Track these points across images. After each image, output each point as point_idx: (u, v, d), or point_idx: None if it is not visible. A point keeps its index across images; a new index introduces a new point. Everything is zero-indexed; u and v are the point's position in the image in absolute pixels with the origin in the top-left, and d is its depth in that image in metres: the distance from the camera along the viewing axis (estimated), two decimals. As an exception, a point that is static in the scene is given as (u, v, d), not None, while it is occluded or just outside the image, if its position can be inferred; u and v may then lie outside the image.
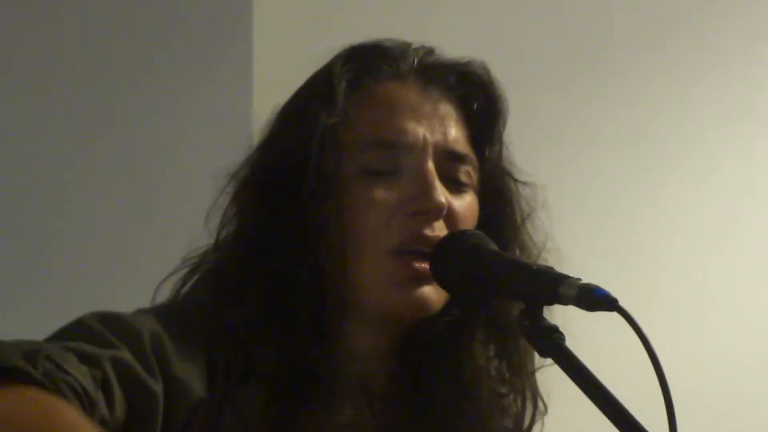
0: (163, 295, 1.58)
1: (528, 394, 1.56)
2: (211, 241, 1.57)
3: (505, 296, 1.44)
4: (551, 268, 1.37)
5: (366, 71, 1.50)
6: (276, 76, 2.44)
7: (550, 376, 1.54)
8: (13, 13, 2.93)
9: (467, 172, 1.50)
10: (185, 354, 1.41)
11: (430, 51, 1.53)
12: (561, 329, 1.33)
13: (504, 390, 1.55)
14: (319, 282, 1.45)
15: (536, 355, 1.52)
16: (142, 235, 2.46)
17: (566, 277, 1.33)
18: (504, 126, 1.54)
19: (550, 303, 1.34)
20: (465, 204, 1.49)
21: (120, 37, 2.89)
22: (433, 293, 1.46)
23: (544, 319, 1.34)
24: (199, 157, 2.35)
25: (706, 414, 2.66)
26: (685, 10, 2.98)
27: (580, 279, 1.32)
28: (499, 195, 1.54)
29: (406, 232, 1.45)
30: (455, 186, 1.48)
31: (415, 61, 1.52)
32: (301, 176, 1.45)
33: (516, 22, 2.90)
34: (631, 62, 2.94)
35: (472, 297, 1.48)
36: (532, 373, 1.55)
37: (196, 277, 1.52)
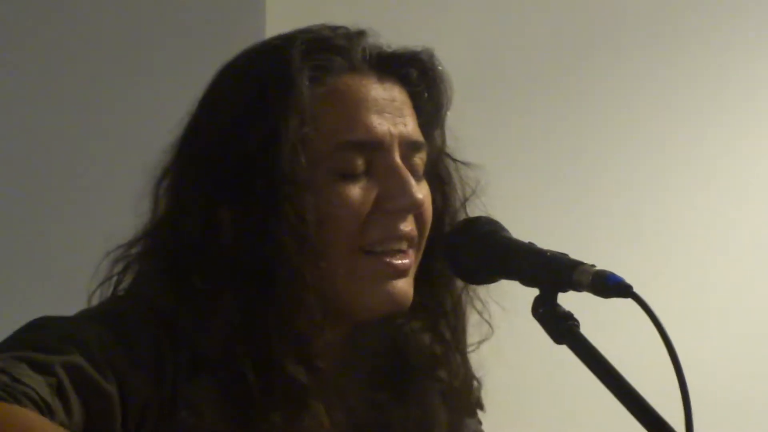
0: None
1: (463, 372, 1.56)
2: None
3: (520, 282, 1.42)
4: (565, 255, 1.36)
5: (323, 66, 1.47)
6: None
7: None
8: (22, 12, 2.94)
9: (422, 159, 1.50)
10: (132, 352, 1.39)
11: (367, 35, 1.52)
12: (576, 319, 1.33)
13: (439, 367, 1.55)
14: (299, 288, 1.42)
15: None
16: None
17: (580, 263, 1.33)
18: (447, 109, 1.54)
19: (565, 289, 1.34)
20: (426, 192, 1.49)
21: (133, 39, 2.91)
22: (409, 288, 1.47)
23: (558, 305, 1.34)
24: None
25: (721, 403, 2.68)
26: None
27: (594, 265, 1.32)
28: (439, 178, 1.54)
29: (383, 230, 1.45)
30: (416, 176, 1.48)
31: (366, 50, 1.50)
32: (269, 178, 1.42)
33: (518, 20, 2.94)
34: (638, 54, 2.95)
35: (487, 284, 1.48)
36: (464, 351, 1.56)
37: (138, 270, 1.48)
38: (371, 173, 1.46)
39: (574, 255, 1.41)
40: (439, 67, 1.53)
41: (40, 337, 1.36)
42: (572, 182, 2.66)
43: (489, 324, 1.56)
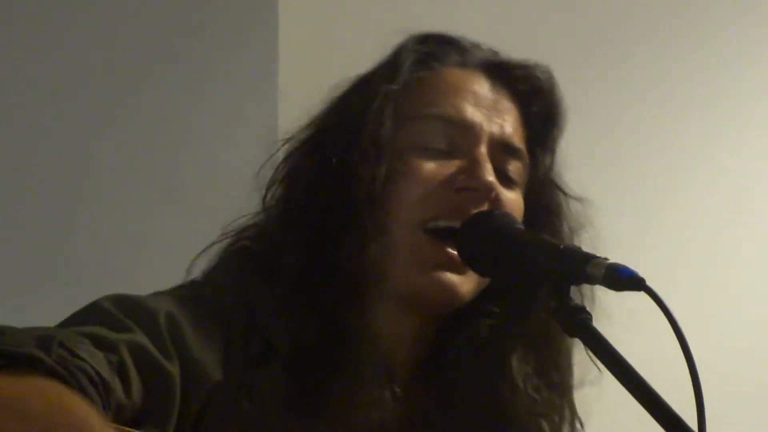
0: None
1: (566, 413, 1.53)
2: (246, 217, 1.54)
3: (533, 275, 1.41)
4: (578, 248, 1.35)
5: (435, 55, 1.50)
6: (299, 76, 2.50)
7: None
8: (44, 16, 2.89)
9: (518, 169, 1.49)
10: (202, 336, 1.40)
11: (497, 52, 1.54)
12: (589, 314, 1.31)
13: (541, 409, 1.51)
14: (355, 256, 1.42)
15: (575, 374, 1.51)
16: (173, 220, 2.48)
17: (594, 256, 1.32)
18: (559, 135, 1.54)
19: (578, 282, 1.33)
20: (513, 198, 1.47)
21: (153, 43, 2.88)
22: (459, 281, 1.44)
23: (571, 298, 1.33)
24: (227, 153, 2.38)
25: (734, 397, 2.67)
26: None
27: (607, 258, 1.31)
28: (547, 207, 1.54)
29: (447, 205, 1.43)
30: (505, 180, 1.47)
31: (484, 56, 1.52)
32: (356, 140, 1.44)
33: (523, 27, 2.93)
34: (646, 58, 2.94)
35: (500, 277, 1.46)
36: (571, 390, 1.52)
37: (220, 257, 1.50)
38: (451, 155, 1.45)
39: (587, 249, 1.39)
40: (556, 89, 1.54)
41: (109, 313, 1.37)
42: (585, 180, 2.69)
43: (595, 363, 1.47)
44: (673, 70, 2.93)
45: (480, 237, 1.43)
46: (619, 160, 2.85)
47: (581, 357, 1.47)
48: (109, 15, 2.88)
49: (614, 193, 2.81)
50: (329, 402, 1.41)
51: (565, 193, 1.56)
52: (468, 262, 1.43)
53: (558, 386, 1.50)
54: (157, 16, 2.89)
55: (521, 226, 1.44)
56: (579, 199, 1.56)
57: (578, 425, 1.51)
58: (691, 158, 2.93)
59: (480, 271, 1.44)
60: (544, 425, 1.49)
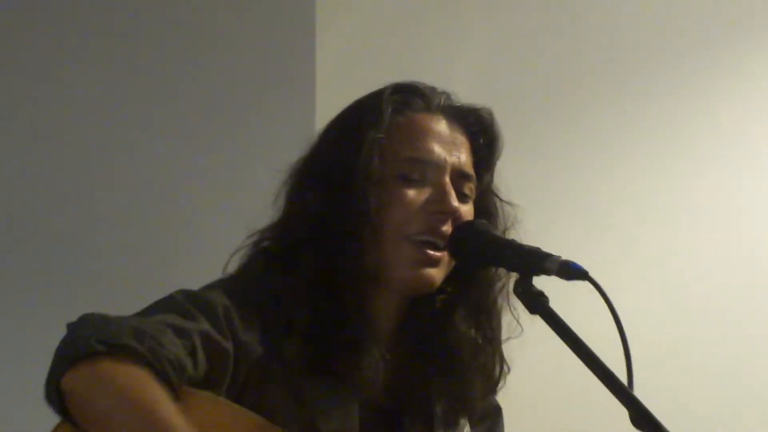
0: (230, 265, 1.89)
1: (497, 359, 1.90)
2: (265, 225, 1.88)
3: (505, 268, 1.78)
4: (539, 248, 1.70)
5: (406, 103, 1.85)
6: (333, 96, 2.64)
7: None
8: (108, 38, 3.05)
9: (470, 188, 1.85)
10: (246, 322, 1.74)
11: (449, 95, 1.89)
12: (545, 294, 1.66)
13: (479, 354, 1.89)
14: (356, 258, 1.78)
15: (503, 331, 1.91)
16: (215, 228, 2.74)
17: (550, 254, 1.67)
18: (498, 159, 1.90)
19: (538, 274, 1.68)
20: (467, 209, 1.83)
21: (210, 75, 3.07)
22: (436, 274, 1.81)
23: (533, 285, 1.68)
24: (267, 165, 2.50)
25: (657, 360, 3.03)
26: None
27: (560, 256, 1.66)
28: (487, 210, 1.90)
29: (426, 225, 1.80)
30: (462, 197, 1.83)
31: (442, 101, 1.88)
32: (352, 175, 1.78)
33: (520, 63, 3.25)
34: (612, 75, 3.29)
35: (479, 267, 1.82)
36: (500, 343, 1.90)
37: (249, 256, 1.84)
38: (424, 182, 1.81)
39: (547, 249, 1.73)
40: (497, 126, 1.90)
41: (182, 305, 1.71)
42: (553, 198, 3.07)
43: (519, 323, 1.88)
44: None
45: (468, 239, 1.78)
46: (573, 187, 3.23)
47: (507, 318, 1.86)
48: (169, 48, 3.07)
49: (558, 201, 3.19)
50: (338, 364, 1.77)
51: (500, 200, 1.92)
52: (456, 256, 1.78)
53: (491, 339, 1.88)
54: (210, 70, 3.07)
55: (497, 232, 1.79)
56: (510, 204, 1.93)
57: (505, 368, 1.90)
58: (611, 173, 3.26)
59: (465, 264, 1.79)
60: (484, 360, 1.88)
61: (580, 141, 3.24)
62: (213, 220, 2.80)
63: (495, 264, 1.79)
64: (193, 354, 1.66)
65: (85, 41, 3.06)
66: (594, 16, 3.29)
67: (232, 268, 1.89)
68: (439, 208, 1.80)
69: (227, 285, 1.80)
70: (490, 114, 1.90)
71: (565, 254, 1.71)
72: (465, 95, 1.95)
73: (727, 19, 3.32)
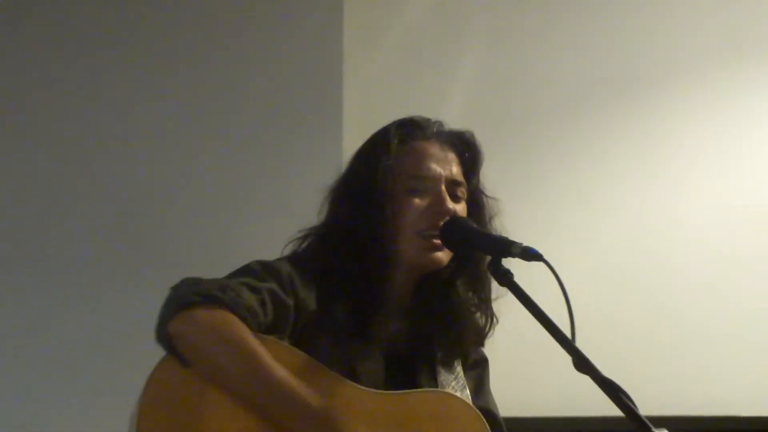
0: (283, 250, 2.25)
1: (488, 313, 2.26)
2: (312, 224, 2.25)
3: (481, 251, 2.15)
4: (506, 237, 2.08)
5: (409, 134, 2.21)
6: (358, 129, 3.07)
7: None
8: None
9: (461, 191, 2.22)
10: (304, 285, 2.10)
11: (441, 123, 2.25)
12: (511, 271, 2.02)
13: (475, 310, 2.26)
14: (380, 251, 2.15)
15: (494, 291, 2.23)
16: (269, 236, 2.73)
17: (515, 242, 2.04)
18: (480, 166, 2.26)
19: (506, 256, 2.04)
20: (461, 208, 2.20)
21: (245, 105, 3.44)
22: (442, 256, 2.17)
23: (502, 265, 2.03)
24: (300, 186, 2.82)
25: (593, 320, 3.38)
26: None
27: (522, 243, 2.03)
28: (477, 204, 2.25)
29: (430, 222, 2.16)
30: (455, 199, 2.19)
31: (435, 129, 2.24)
32: (373, 192, 2.15)
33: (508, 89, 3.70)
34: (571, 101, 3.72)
35: (464, 251, 2.19)
36: (490, 301, 2.25)
37: (306, 243, 2.22)
38: (426, 192, 2.17)
39: (514, 238, 2.10)
40: (477, 143, 2.25)
41: (256, 271, 2.06)
42: (523, 201, 3.56)
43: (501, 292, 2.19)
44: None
45: (456, 230, 2.15)
46: (536, 193, 3.71)
47: (495, 287, 2.19)
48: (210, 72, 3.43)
49: (539, 210, 3.67)
50: (370, 326, 2.13)
51: (486, 196, 2.28)
52: (447, 244, 2.16)
53: (483, 299, 2.24)
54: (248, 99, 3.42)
55: (474, 225, 2.16)
56: (494, 198, 2.28)
57: (495, 320, 2.26)
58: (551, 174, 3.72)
59: (453, 249, 2.17)
60: (477, 319, 2.25)
61: (540, 155, 3.70)
62: (266, 219, 3.21)
63: (474, 249, 2.15)
64: (263, 305, 2.00)
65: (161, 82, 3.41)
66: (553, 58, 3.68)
67: (285, 253, 2.25)
68: (438, 209, 2.16)
69: (290, 259, 2.17)
70: (472, 135, 2.27)
71: (527, 241, 2.05)
72: (458, 118, 2.32)
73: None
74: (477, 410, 2.18)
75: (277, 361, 1.96)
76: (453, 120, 2.29)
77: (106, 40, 3.48)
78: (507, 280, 2.02)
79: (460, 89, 3.62)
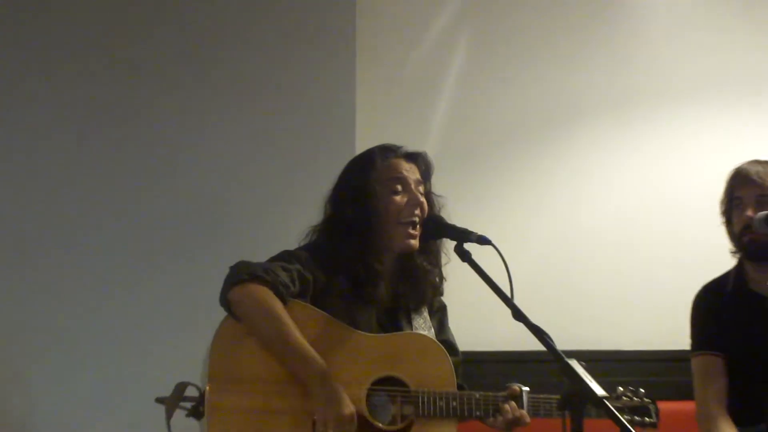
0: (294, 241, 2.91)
1: (440, 275, 2.91)
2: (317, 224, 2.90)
3: (449, 238, 2.80)
4: (466, 228, 2.73)
5: (386, 154, 2.86)
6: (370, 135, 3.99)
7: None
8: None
9: (421, 190, 2.86)
10: (318, 266, 2.75)
11: (406, 147, 2.90)
12: (470, 252, 2.67)
13: (432, 274, 2.91)
14: (374, 237, 2.79)
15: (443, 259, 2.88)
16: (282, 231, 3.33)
17: (472, 231, 2.70)
18: (431, 175, 2.92)
19: (466, 241, 2.69)
20: (425, 201, 2.84)
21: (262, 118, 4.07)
22: (416, 243, 2.83)
23: (463, 247, 2.67)
24: (313, 183, 3.23)
25: (528, 283, 4.15)
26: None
27: (476, 232, 2.68)
28: (429, 201, 2.93)
29: (407, 214, 2.82)
30: (421, 195, 2.82)
31: (403, 151, 2.90)
32: (365, 195, 2.78)
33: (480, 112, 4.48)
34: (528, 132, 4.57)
35: (435, 238, 2.90)
36: (440, 266, 2.89)
37: (316, 236, 2.85)
38: (403, 191, 2.82)
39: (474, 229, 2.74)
40: (429, 159, 2.91)
41: (286, 257, 2.73)
42: (484, 208, 4.31)
43: (449, 258, 2.85)
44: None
45: (430, 223, 2.85)
46: (494, 203, 4.53)
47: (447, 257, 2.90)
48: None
49: (498, 215, 4.49)
50: (367, 294, 2.81)
51: (436, 195, 2.94)
52: (426, 233, 2.86)
53: (436, 266, 2.95)
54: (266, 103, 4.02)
55: (446, 220, 2.86)
56: (440, 196, 2.94)
57: (444, 279, 2.95)
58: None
59: (429, 236, 2.87)
60: (434, 278, 2.95)
61: (493, 173, 4.58)
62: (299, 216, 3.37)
63: (444, 236, 2.87)
64: (293, 281, 2.68)
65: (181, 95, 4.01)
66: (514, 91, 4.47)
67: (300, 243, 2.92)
68: (413, 203, 2.83)
69: (307, 247, 2.85)
70: (426, 154, 2.95)
71: (480, 231, 2.71)
72: (435, 143, 3.14)
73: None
74: (440, 343, 2.86)
75: (303, 318, 2.59)
76: (432, 144, 3.13)
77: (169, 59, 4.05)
78: (467, 257, 2.70)
79: (436, 121, 4.36)
